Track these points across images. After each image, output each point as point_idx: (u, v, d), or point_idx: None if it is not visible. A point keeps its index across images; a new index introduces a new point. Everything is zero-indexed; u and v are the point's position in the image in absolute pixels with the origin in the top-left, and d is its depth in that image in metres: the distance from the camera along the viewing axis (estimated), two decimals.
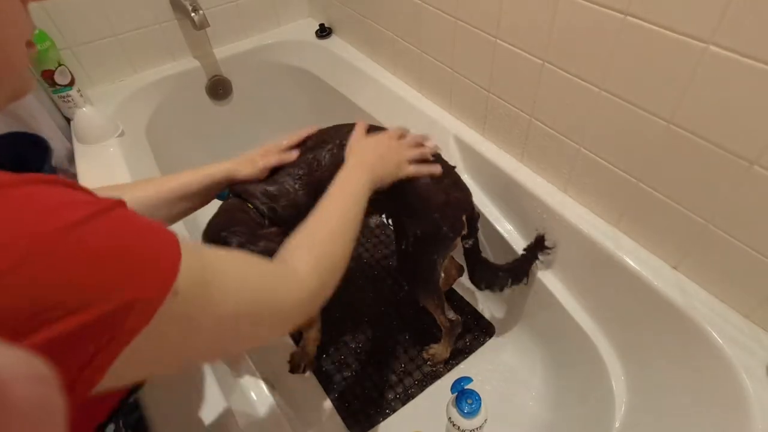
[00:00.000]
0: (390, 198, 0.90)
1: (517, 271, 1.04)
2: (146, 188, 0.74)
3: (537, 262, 1.06)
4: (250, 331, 0.46)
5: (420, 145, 0.87)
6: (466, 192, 0.94)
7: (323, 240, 0.60)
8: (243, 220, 0.79)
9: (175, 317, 0.35)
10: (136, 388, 0.53)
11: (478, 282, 1.06)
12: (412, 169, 0.82)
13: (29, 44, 0.40)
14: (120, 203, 0.35)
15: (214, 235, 0.78)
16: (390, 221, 0.98)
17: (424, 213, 0.88)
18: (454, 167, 0.94)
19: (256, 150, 0.86)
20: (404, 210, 0.90)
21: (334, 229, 0.62)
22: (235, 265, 0.44)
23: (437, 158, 0.93)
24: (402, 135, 0.87)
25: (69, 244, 0.30)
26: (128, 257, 0.32)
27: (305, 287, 0.52)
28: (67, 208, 0.31)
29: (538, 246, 1.03)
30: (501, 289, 1.05)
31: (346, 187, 0.70)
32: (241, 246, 0.75)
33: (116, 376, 0.33)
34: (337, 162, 0.80)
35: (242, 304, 0.44)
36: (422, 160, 0.85)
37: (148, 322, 0.32)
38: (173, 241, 0.36)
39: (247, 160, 0.84)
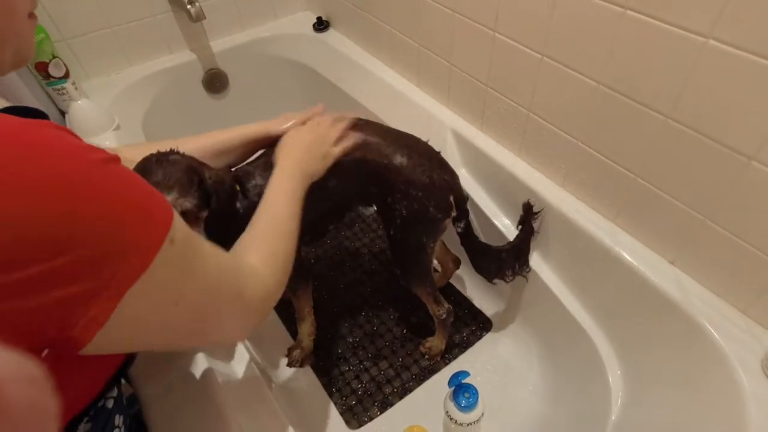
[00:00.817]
0: (375, 186, 0.90)
1: (519, 250, 1.04)
2: (185, 144, 0.78)
3: (532, 253, 1.06)
4: (218, 313, 0.49)
5: (340, 120, 0.89)
6: (451, 173, 0.95)
7: (273, 240, 0.64)
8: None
9: (170, 264, 0.39)
10: (126, 365, 0.55)
11: (485, 273, 1.06)
12: (338, 150, 0.85)
13: (31, 15, 0.46)
14: (119, 158, 0.38)
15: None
16: (377, 210, 0.98)
17: (409, 194, 0.89)
18: (438, 152, 0.95)
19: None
20: (390, 195, 0.91)
21: (279, 229, 0.66)
22: (210, 246, 0.48)
23: (424, 145, 0.94)
24: (322, 121, 0.88)
25: (92, 179, 0.34)
26: (134, 204, 0.36)
27: (266, 282, 0.57)
28: (87, 150, 0.35)
29: (527, 214, 1.02)
30: (512, 277, 1.05)
31: (282, 190, 0.73)
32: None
33: (117, 328, 0.36)
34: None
35: (216, 278, 0.47)
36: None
37: (148, 265, 0.36)
38: (165, 200, 0.41)
39: (282, 118, 0.88)
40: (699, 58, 0.68)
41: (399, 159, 0.88)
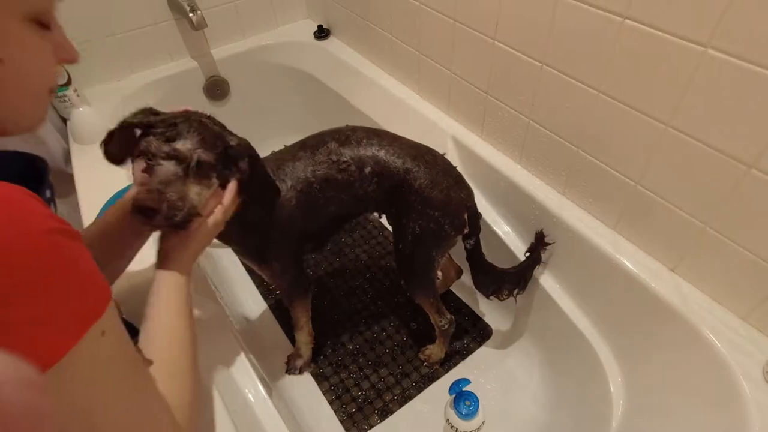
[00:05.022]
0: (390, 199, 0.91)
1: (521, 275, 1.04)
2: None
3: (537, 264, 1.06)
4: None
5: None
6: (467, 190, 0.95)
7: (179, 371, 0.57)
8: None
9: (94, 359, 0.38)
10: None
11: (484, 289, 1.05)
12: (221, 217, 0.70)
13: (51, 91, 0.47)
14: (78, 236, 0.38)
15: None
16: (389, 221, 0.98)
17: (424, 212, 0.89)
18: (455, 167, 0.95)
19: None
20: (405, 210, 0.91)
21: (189, 361, 0.59)
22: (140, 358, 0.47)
23: (443, 161, 0.94)
24: None
25: (42, 245, 0.34)
26: (68, 280, 0.36)
27: (181, 425, 0.51)
28: (45, 216, 0.36)
29: (539, 243, 1.03)
30: (507, 296, 1.04)
31: (169, 304, 0.61)
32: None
33: None
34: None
35: (143, 387, 0.45)
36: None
37: (68, 349, 0.35)
38: (106, 287, 0.40)
39: None
40: (698, 66, 0.69)
41: (419, 180, 0.88)
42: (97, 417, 0.39)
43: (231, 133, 0.73)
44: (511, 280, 1.03)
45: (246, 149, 0.72)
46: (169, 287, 0.62)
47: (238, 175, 0.71)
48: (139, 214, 0.62)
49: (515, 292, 1.04)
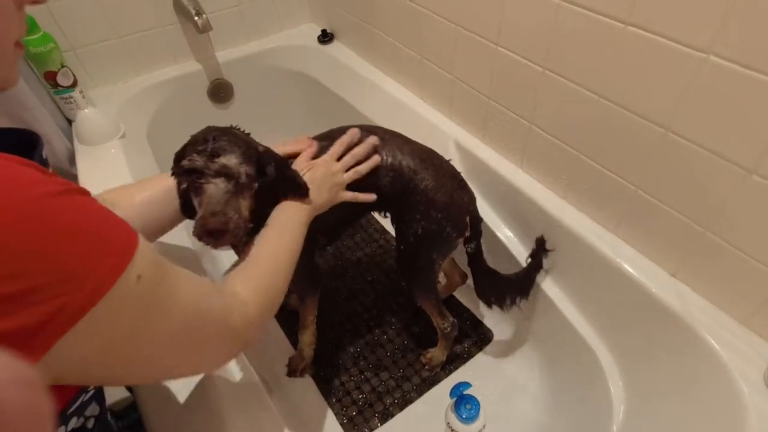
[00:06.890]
0: (394, 198, 0.91)
1: (524, 282, 1.04)
2: (147, 186, 0.80)
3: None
4: (198, 345, 0.49)
5: (359, 162, 0.88)
6: (470, 195, 0.96)
7: (265, 273, 0.65)
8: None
9: (133, 300, 0.38)
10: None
11: (486, 297, 1.05)
12: (349, 195, 0.86)
13: (18, 44, 0.44)
14: (86, 191, 0.38)
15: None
16: (392, 221, 0.98)
17: (428, 213, 0.90)
18: (459, 173, 0.96)
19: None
20: (408, 210, 0.91)
21: (275, 264, 0.68)
22: (187, 276, 0.47)
23: (448, 166, 0.95)
24: (341, 154, 0.86)
25: (36, 210, 0.33)
26: (87, 237, 0.35)
27: (248, 312, 0.57)
28: (42, 182, 0.34)
29: (539, 249, 1.03)
30: (510, 306, 1.04)
31: (285, 222, 0.74)
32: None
33: (66, 359, 0.35)
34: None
35: (192, 310, 0.46)
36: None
37: (97, 300, 0.35)
38: (131, 232, 0.39)
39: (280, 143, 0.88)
40: (699, 72, 0.69)
41: (425, 181, 0.89)
42: (144, 347, 0.41)
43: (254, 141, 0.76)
44: (513, 288, 1.03)
45: (272, 154, 0.74)
46: (281, 220, 0.73)
47: (267, 179, 0.73)
48: (209, 237, 0.64)
49: (518, 300, 1.04)
